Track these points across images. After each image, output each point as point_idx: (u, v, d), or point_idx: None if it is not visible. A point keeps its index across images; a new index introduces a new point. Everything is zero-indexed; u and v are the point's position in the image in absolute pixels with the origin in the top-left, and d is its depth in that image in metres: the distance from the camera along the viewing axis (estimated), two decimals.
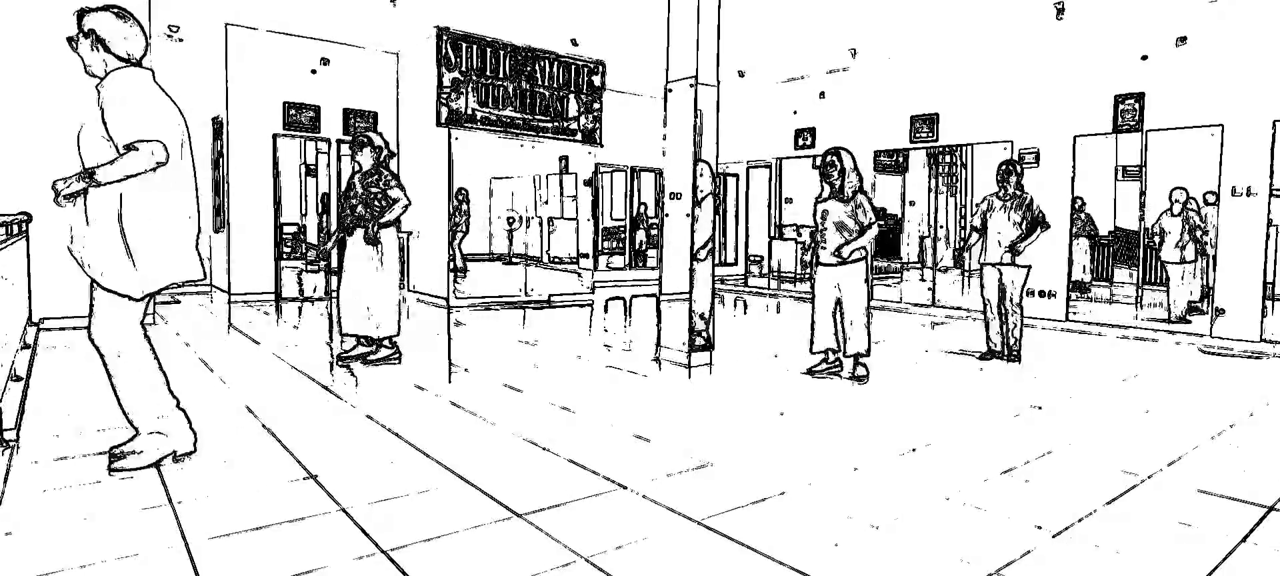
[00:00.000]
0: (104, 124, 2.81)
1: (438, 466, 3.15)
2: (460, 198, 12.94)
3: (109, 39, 2.93)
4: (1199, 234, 8.12)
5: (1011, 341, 5.93)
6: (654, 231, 12.94)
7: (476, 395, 4.53)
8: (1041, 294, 8.30)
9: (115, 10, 2.93)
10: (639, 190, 12.97)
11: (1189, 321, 7.88)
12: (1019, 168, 5.99)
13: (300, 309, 8.41)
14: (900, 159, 10.94)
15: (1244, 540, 2.58)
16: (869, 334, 5.17)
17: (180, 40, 8.82)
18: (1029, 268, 5.99)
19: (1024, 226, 5.87)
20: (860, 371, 5.17)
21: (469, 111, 8.18)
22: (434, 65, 7.98)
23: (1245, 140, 6.98)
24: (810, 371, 5.35)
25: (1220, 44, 7.15)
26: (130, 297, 2.92)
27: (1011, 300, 5.94)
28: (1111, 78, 7.90)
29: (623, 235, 13.06)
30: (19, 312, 5.12)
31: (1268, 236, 6.99)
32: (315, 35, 8.97)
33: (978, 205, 6.20)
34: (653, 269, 12.51)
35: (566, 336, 7.10)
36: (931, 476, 3.20)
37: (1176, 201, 8.14)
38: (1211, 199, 8.07)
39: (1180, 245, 8.09)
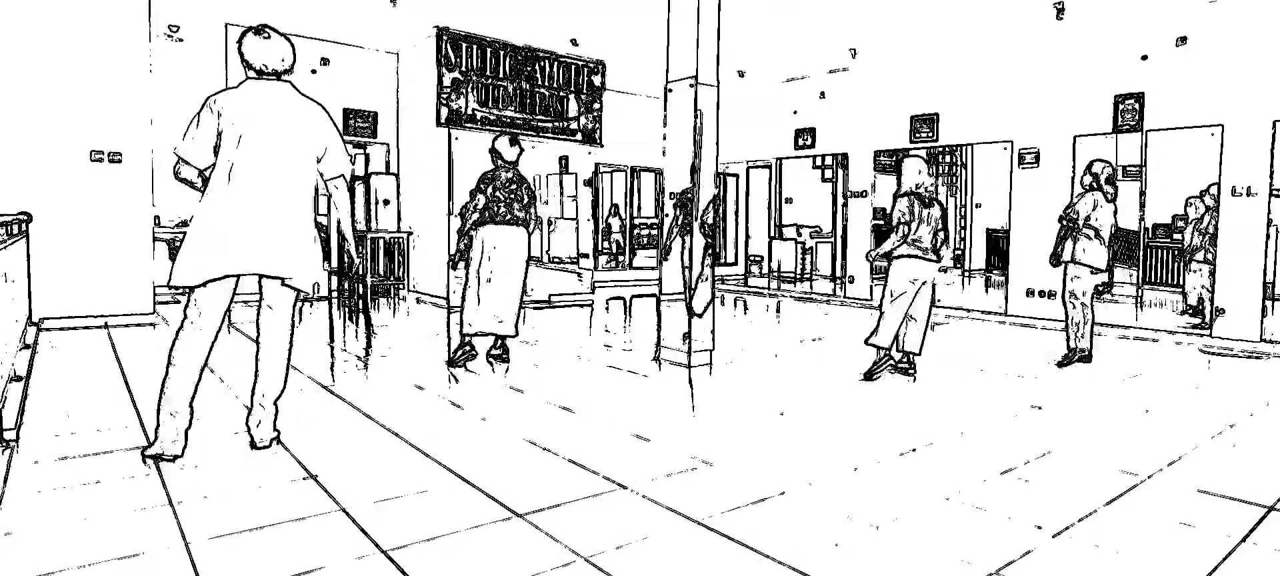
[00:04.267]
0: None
1: (438, 466, 3.15)
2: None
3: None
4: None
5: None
6: (640, 232, 12.94)
7: (476, 395, 4.53)
8: (1041, 294, 8.30)
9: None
10: (639, 190, 12.96)
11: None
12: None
13: (300, 309, 8.41)
14: (900, 159, 10.94)
15: (1244, 540, 2.58)
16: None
17: (180, 40, 8.81)
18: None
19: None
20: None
21: (469, 111, 8.18)
22: (434, 65, 7.98)
23: (1245, 140, 6.97)
24: (873, 372, 5.26)
25: (1220, 44, 7.15)
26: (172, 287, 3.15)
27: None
28: (1111, 78, 7.90)
29: (615, 235, 13.04)
30: (19, 312, 5.12)
31: (1268, 236, 6.99)
32: (315, 35, 8.97)
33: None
34: (639, 268, 12.51)
35: (566, 336, 7.10)
36: (931, 476, 3.20)
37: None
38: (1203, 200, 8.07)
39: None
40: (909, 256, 5.18)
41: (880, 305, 5.30)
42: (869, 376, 5.20)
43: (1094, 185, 5.83)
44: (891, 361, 5.33)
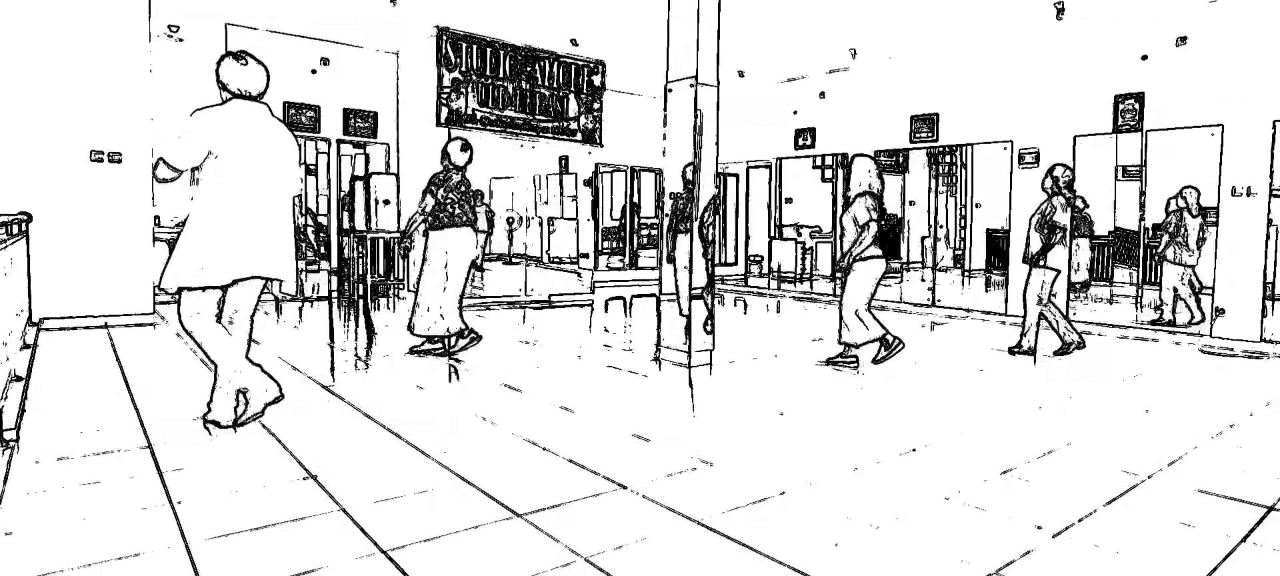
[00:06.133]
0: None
1: (438, 466, 3.15)
2: (477, 198, 12.90)
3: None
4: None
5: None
6: (640, 232, 12.93)
7: (476, 395, 4.53)
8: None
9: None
10: (639, 190, 12.95)
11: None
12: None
13: (301, 309, 8.41)
14: (900, 159, 10.95)
15: (1244, 540, 2.58)
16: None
17: (180, 40, 8.81)
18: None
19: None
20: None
21: (469, 111, 8.18)
22: (434, 65, 7.98)
23: (1245, 140, 6.97)
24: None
25: (1220, 44, 7.15)
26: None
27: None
28: (1111, 78, 7.90)
29: (624, 235, 13.03)
30: (19, 313, 5.12)
31: (1268, 236, 6.99)
32: (315, 35, 8.97)
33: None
34: (639, 268, 12.51)
35: (566, 336, 7.10)
36: (931, 476, 3.20)
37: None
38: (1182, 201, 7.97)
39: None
40: (873, 257, 5.47)
41: (851, 312, 5.55)
42: (874, 361, 5.59)
43: (1056, 189, 6.11)
44: (856, 359, 5.63)
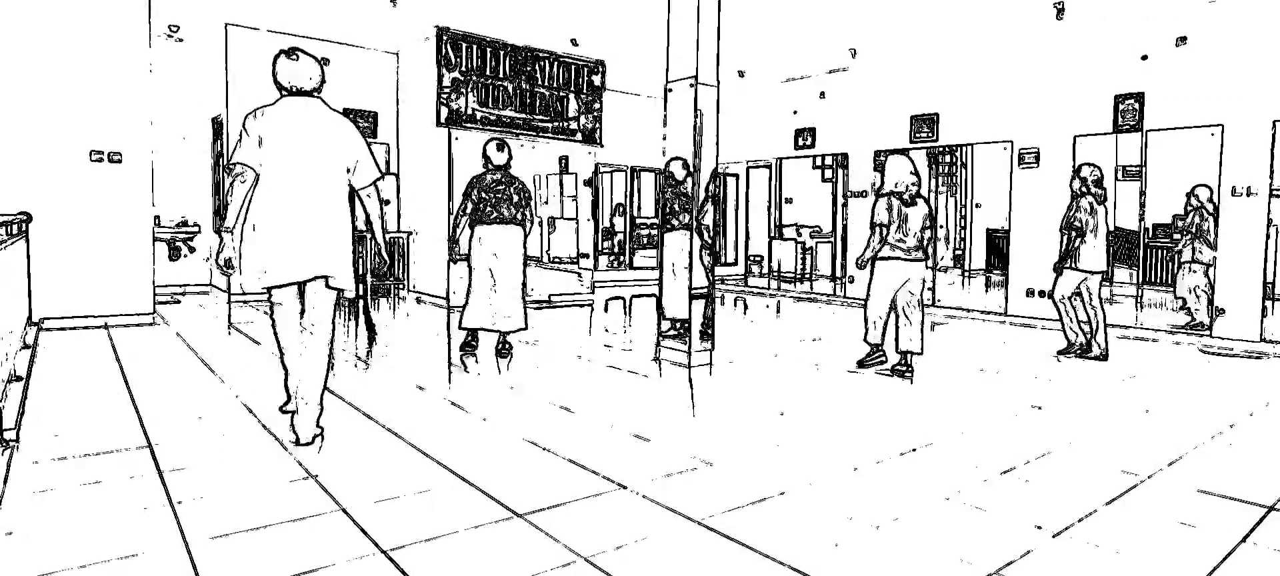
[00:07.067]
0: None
1: (438, 466, 3.15)
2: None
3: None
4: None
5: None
6: (640, 232, 12.91)
7: (476, 395, 4.53)
8: (1041, 294, 8.30)
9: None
10: (639, 190, 12.95)
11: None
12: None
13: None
14: (893, 154, 10.93)
15: (1244, 540, 2.58)
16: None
17: (180, 40, 8.82)
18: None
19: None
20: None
21: (469, 111, 8.18)
22: (434, 65, 7.96)
23: (1245, 140, 6.97)
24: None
25: (1220, 44, 7.15)
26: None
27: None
28: (1111, 78, 7.90)
29: (619, 235, 13.02)
30: (19, 312, 5.12)
31: (1268, 236, 6.98)
32: (315, 35, 8.96)
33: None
34: (639, 268, 12.50)
35: (566, 336, 7.10)
36: (931, 476, 3.20)
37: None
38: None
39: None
40: (891, 258, 5.33)
41: (872, 313, 5.51)
42: (861, 365, 5.54)
43: (1084, 189, 6.02)
44: (883, 358, 5.49)
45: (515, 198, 5.63)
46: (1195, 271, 7.70)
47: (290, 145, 3.34)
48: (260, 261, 3.29)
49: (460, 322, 5.72)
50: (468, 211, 5.58)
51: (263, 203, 3.29)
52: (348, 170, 3.50)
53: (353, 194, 3.56)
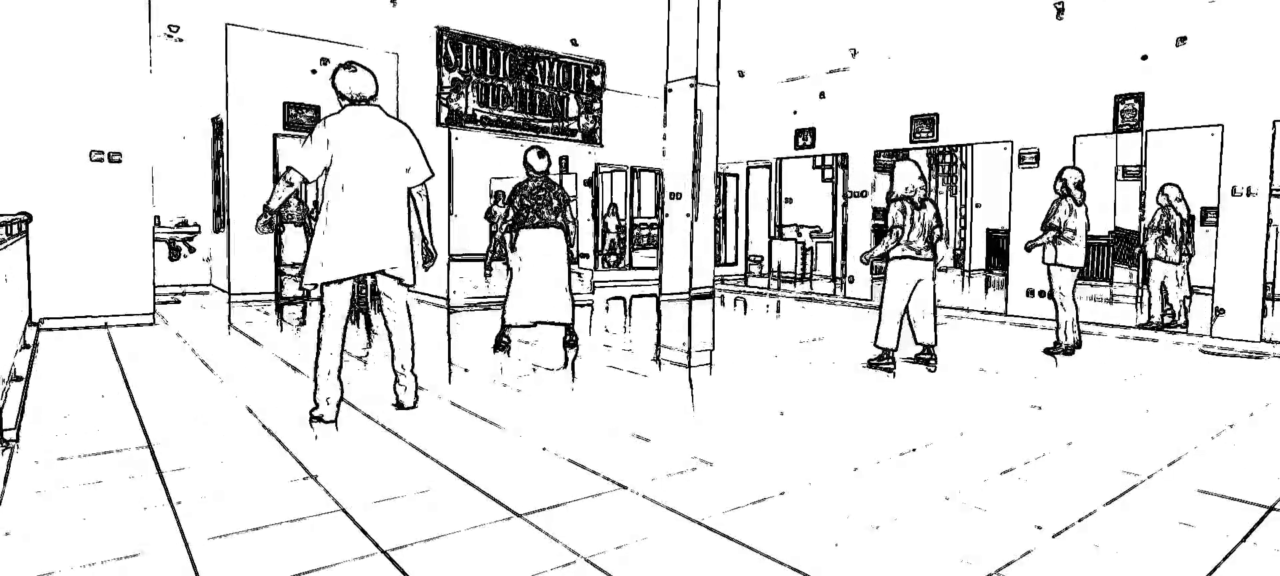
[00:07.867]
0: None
1: (438, 466, 3.16)
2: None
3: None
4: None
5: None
6: (640, 232, 12.92)
7: (476, 395, 4.53)
8: (1041, 294, 8.30)
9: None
10: (639, 190, 12.95)
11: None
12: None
13: (304, 310, 8.41)
14: (900, 159, 10.93)
15: (1244, 540, 2.58)
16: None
17: (180, 40, 8.81)
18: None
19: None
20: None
21: (469, 111, 8.18)
22: (434, 65, 7.97)
23: (1245, 140, 6.97)
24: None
25: (1220, 44, 7.15)
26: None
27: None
28: (1111, 78, 7.90)
29: (612, 235, 13.02)
30: (19, 312, 5.12)
31: (1268, 236, 6.98)
32: (315, 35, 8.97)
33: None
34: (639, 268, 12.50)
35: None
36: (931, 476, 3.20)
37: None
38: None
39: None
40: (904, 258, 5.52)
41: (879, 307, 5.64)
42: (871, 366, 5.61)
43: (1066, 192, 6.27)
44: (893, 364, 5.54)
45: (555, 201, 5.87)
46: (1165, 267, 7.76)
47: (357, 149, 3.66)
48: (323, 256, 3.60)
49: (502, 319, 5.94)
50: (508, 218, 5.86)
51: (333, 203, 3.61)
52: (406, 170, 3.82)
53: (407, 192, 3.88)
